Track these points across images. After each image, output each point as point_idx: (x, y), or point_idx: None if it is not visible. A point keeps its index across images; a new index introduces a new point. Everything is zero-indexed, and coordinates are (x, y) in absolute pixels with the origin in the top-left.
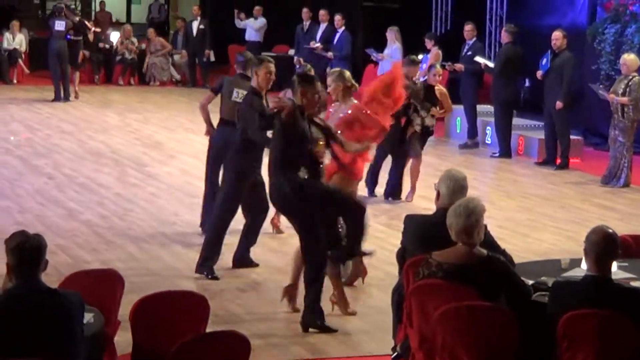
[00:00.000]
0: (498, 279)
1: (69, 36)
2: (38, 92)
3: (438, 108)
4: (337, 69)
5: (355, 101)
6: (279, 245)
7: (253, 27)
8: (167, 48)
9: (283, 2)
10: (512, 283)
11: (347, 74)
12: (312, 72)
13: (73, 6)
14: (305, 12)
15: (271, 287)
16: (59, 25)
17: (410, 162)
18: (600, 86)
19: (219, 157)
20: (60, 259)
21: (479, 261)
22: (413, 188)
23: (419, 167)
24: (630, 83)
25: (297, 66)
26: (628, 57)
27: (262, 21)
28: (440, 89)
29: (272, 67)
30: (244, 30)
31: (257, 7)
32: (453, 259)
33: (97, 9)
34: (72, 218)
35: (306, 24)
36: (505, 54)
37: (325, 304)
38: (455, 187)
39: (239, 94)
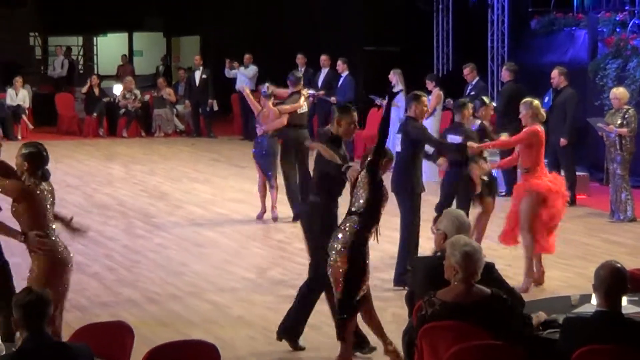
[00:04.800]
0: (503, 316)
1: None
2: None
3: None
4: (529, 98)
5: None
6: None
7: (246, 75)
8: (172, 98)
9: (278, 48)
10: (515, 320)
11: (535, 102)
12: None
13: (75, 56)
14: (299, 57)
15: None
16: None
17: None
18: (592, 119)
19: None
20: (69, 313)
21: (482, 298)
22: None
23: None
24: (626, 115)
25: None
26: (617, 91)
27: (253, 69)
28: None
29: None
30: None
31: (247, 55)
32: (456, 298)
33: (120, 62)
34: (80, 271)
35: (301, 69)
36: (506, 92)
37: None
38: (456, 224)
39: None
